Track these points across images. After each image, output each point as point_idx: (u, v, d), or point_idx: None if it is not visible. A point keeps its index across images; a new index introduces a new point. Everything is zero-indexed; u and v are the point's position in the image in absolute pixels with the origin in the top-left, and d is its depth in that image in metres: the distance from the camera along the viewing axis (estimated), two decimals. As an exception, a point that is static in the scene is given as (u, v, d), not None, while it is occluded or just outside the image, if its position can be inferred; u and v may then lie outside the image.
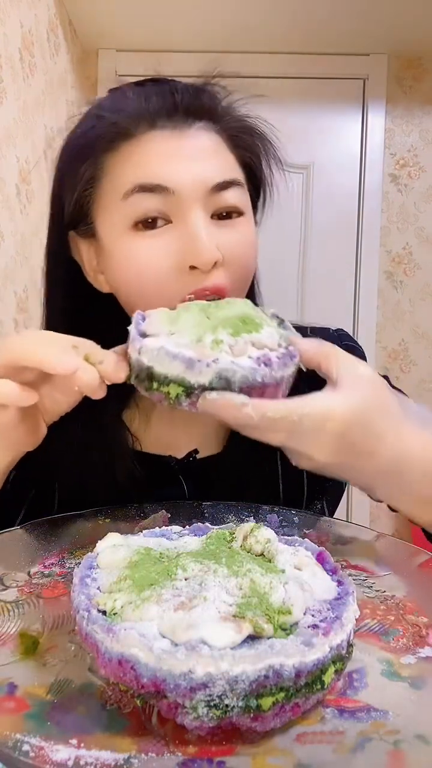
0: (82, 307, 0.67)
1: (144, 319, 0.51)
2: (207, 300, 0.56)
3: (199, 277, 0.57)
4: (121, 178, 0.58)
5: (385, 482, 0.51)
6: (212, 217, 0.59)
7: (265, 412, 0.45)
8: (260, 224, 0.71)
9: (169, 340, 0.47)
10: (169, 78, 0.63)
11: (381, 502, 0.56)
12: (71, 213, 0.63)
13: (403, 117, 2.53)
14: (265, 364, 0.46)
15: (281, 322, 0.54)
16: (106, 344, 0.50)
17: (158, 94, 0.59)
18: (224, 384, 0.45)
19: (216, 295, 0.58)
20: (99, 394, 0.48)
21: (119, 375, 0.48)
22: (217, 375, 0.45)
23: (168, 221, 0.58)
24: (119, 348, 0.51)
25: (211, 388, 0.45)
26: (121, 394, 0.63)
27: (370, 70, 2.49)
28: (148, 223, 0.58)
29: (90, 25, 2.29)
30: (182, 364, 0.45)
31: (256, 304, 0.73)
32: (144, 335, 0.49)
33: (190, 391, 0.45)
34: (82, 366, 0.46)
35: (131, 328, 0.49)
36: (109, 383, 0.49)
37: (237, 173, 0.61)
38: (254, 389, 0.46)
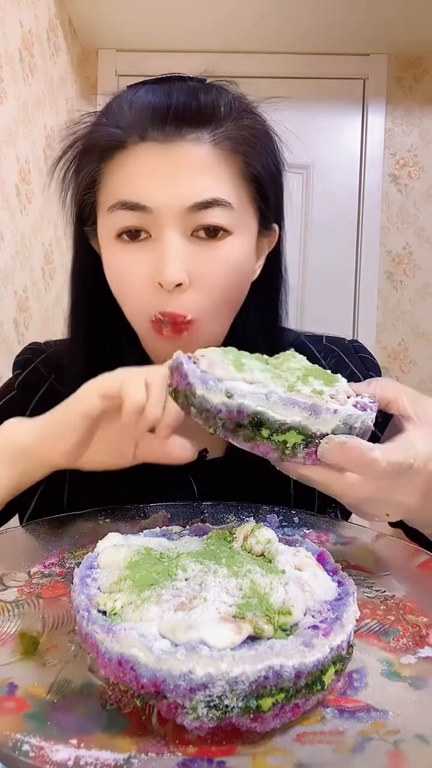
0: (102, 295, 0.67)
1: (190, 359, 0.45)
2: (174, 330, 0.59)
3: (165, 295, 0.58)
4: (110, 189, 0.60)
5: None
6: (193, 234, 0.59)
7: (389, 456, 0.43)
8: (280, 231, 0.70)
9: (269, 385, 0.43)
10: (183, 75, 0.61)
11: None
12: (77, 213, 0.65)
13: (403, 117, 2.53)
14: (369, 410, 0.45)
15: None
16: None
17: (157, 99, 0.58)
18: (347, 431, 0.43)
19: (171, 320, 0.59)
20: (162, 433, 0.52)
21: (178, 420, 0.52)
22: (343, 422, 0.42)
23: (149, 234, 0.59)
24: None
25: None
26: None
27: (370, 70, 2.49)
28: (130, 234, 0.59)
29: (90, 25, 2.29)
30: (304, 410, 0.41)
31: (278, 319, 0.75)
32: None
33: (310, 440, 0.42)
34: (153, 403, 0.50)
35: (189, 367, 0.43)
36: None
37: (225, 191, 0.59)
38: (363, 436, 0.44)
